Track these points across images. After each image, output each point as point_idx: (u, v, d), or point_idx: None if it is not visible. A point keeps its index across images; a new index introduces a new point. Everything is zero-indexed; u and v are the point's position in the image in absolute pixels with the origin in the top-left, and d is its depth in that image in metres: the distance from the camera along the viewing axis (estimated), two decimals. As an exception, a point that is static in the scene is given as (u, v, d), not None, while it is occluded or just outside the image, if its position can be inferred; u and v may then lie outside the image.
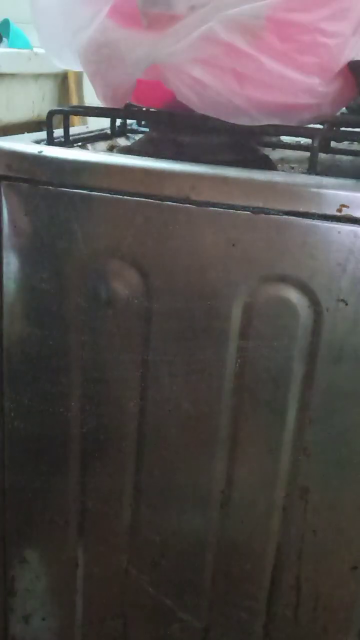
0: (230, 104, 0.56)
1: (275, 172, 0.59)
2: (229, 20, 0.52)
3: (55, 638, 0.75)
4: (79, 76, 1.34)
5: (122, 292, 0.59)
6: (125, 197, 0.56)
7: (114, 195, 0.56)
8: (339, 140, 0.76)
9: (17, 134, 0.67)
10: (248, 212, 0.53)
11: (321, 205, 0.51)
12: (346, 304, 0.53)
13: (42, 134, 0.66)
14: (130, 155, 0.60)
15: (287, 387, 0.57)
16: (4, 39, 1.31)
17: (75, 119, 1.20)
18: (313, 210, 0.51)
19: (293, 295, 0.54)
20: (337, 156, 0.75)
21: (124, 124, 0.82)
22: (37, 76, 1.24)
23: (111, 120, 0.78)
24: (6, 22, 1.31)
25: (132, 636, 0.71)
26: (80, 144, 0.71)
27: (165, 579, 0.67)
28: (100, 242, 0.58)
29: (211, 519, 0.63)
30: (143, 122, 0.82)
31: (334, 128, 0.69)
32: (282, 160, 0.78)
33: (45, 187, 0.58)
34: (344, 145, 0.78)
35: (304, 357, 0.55)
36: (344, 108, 0.71)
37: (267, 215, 0.53)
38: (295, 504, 0.60)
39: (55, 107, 0.69)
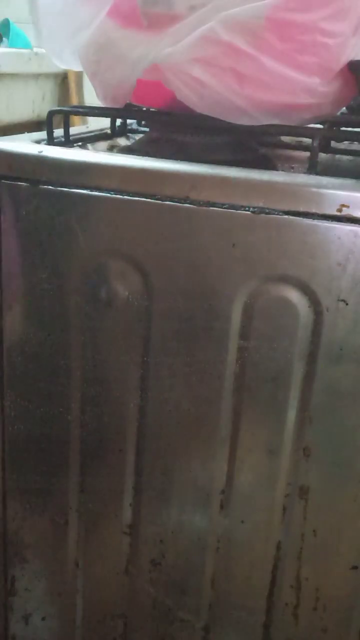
0: (230, 104, 0.56)
1: (275, 172, 0.59)
2: (229, 20, 0.53)
3: (55, 638, 0.75)
4: (79, 76, 1.34)
5: (122, 292, 0.59)
6: (125, 197, 0.56)
7: (114, 195, 0.56)
8: (339, 140, 0.76)
9: (17, 133, 0.67)
10: (248, 212, 0.53)
11: (321, 205, 0.51)
12: (346, 304, 0.53)
13: (42, 134, 0.66)
14: (130, 155, 0.60)
15: (287, 387, 0.57)
16: (4, 39, 1.31)
17: (75, 118, 1.20)
18: (313, 210, 0.51)
19: (293, 295, 0.54)
20: (337, 156, 0.75)
21: (124, 124, 0.82)
22: (37, 76, 1.24)
23: (111, 120, 0.78)
24: (6, 22, 1.31)
25: (132, 636, 0.71)
26: (80, 143, 0.71)
27: (165, 579, 0.67)
28: (100, 242, 0.58)
29: (211, 518, 0.63)
30: (143, 122, 0.82)
31: (334, 128, 0.69)
32: (282, 160, 0.78)
33: (45, 187, 0.58)
34: (344, 145, 0.78)
35: (304, 357, 0.55)
36: (344, 108, 0.71)
37: (267, 215, 0.53)
38: (295, 503, 0.60)
39: (55, 107, 0.68)
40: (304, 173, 0.56)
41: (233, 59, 0.54)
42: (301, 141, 0.79)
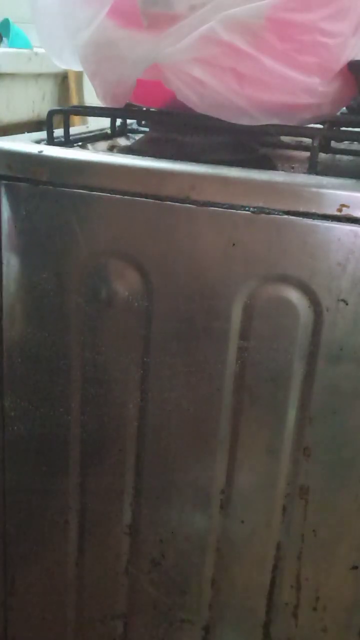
0: (230, 103, 0.56)
1: (275, 172, 0.59)
2: (229, 20, 0.52)
3: (55, 638, 0.75)
4: (79, 76, 1.33)
5: (122, 292, 0.59)
6: (125, 197, 0.56)
7: (114, 195, 0.56)
8: (339, 140, 0.76)
9: (17, 133, 0.67)
10: (248, 212, 0.53)
11: (321, 205, 0.51)
12: (346, 304, 0.53)
13: (42, 134, 0.66)
14: (130, 155, 0.60)
15: (287, 387, 0.57)
16: (4, 39, 1.31)
17: (75, 118, 1.20)
18: (313, 210, 0.51)
19: (293, 295, 0.54)
20: (337, 156, 0.75)
21: (124, 124, 0.81)
22: (37, 76, 1.23)
23: (111, 120, 0.78)
24: (6, 22, 1.31)
25: (132, 636, 0.71)
26: (80, 143, 0.71)
27: (165, 579, 0.67)
28: (100, 242, 0.58)
29: (211, 518, 0.63)
30: (143, 122, 0.82)
31: (334, 128, 0.69)
32: (282, 160, 0.78)
33: (45, 187, 0.58)
34: (344, 145, 0.78)
35: (304, 357, 0.55)
36: (344, 108, 0.71)
37: (267, 215, 0.53)
38: (295, 503, 0.60)
39: (55, 107, 0.68)
40: (304, 173, 0.56)
41: (233, 59, 0.54)
42: (301, 141, 0.79)
